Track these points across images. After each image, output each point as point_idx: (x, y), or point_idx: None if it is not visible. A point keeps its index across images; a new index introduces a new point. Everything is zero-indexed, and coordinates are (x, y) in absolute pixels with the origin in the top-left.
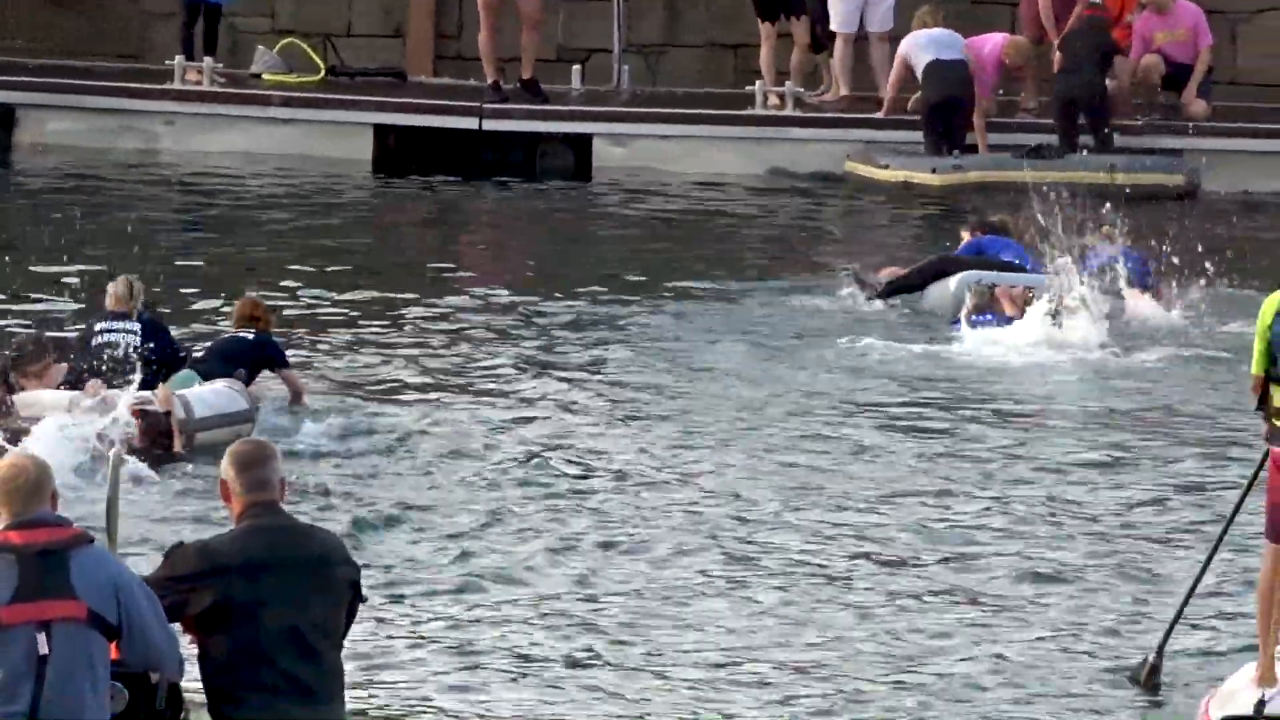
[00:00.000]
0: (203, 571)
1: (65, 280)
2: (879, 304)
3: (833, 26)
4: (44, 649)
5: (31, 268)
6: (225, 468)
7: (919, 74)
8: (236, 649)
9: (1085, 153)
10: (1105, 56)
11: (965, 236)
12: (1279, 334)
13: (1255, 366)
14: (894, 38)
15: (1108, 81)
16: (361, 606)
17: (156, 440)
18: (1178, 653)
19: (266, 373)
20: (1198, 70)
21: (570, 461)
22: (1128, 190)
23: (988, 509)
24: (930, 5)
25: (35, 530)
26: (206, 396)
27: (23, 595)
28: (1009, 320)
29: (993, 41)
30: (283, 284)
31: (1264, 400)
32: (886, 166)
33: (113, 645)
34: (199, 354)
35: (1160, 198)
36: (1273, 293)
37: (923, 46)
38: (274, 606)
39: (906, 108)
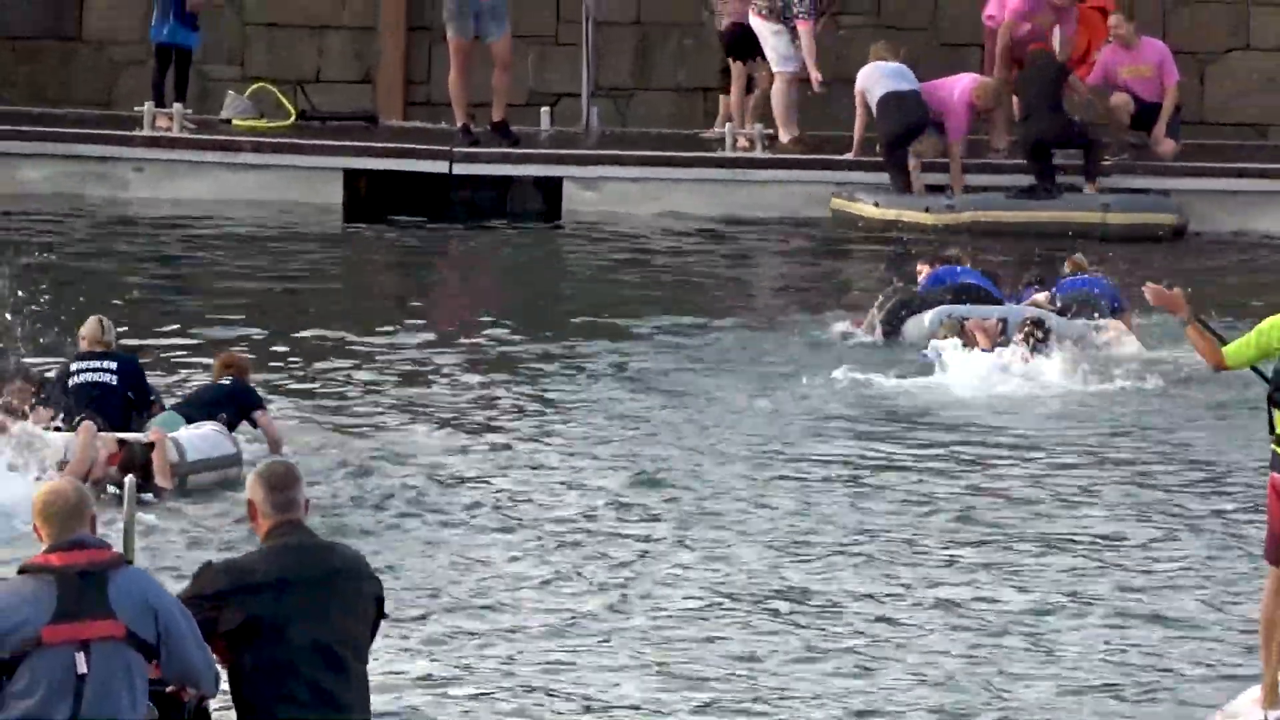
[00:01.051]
0: (231, 589)
1: (36, 326)
2: (870, 339)
3: (773, 67)
4: (83, 668)
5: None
6: (253, 488)
7: (873, 107)
8: (265, 664)
9: (1086, 189)
10: (1057, 88)
11: (923, 269)
12: None
13: (1234, 353)
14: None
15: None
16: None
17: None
18: (1182, 675)
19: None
20: (1166, 107)
21: (548, 497)
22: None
23: (979, 541)
24: (886, 41)
25: (74, 552)
26: (196, 440)
27: (63, 615)
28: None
29: (960, 84)
30: (255, 326)
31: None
32: (876, 204)
33: (152, 665)
34: (177, 399)
35: (1152, 238)
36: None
37: (876, 80)
38: (301, 621)
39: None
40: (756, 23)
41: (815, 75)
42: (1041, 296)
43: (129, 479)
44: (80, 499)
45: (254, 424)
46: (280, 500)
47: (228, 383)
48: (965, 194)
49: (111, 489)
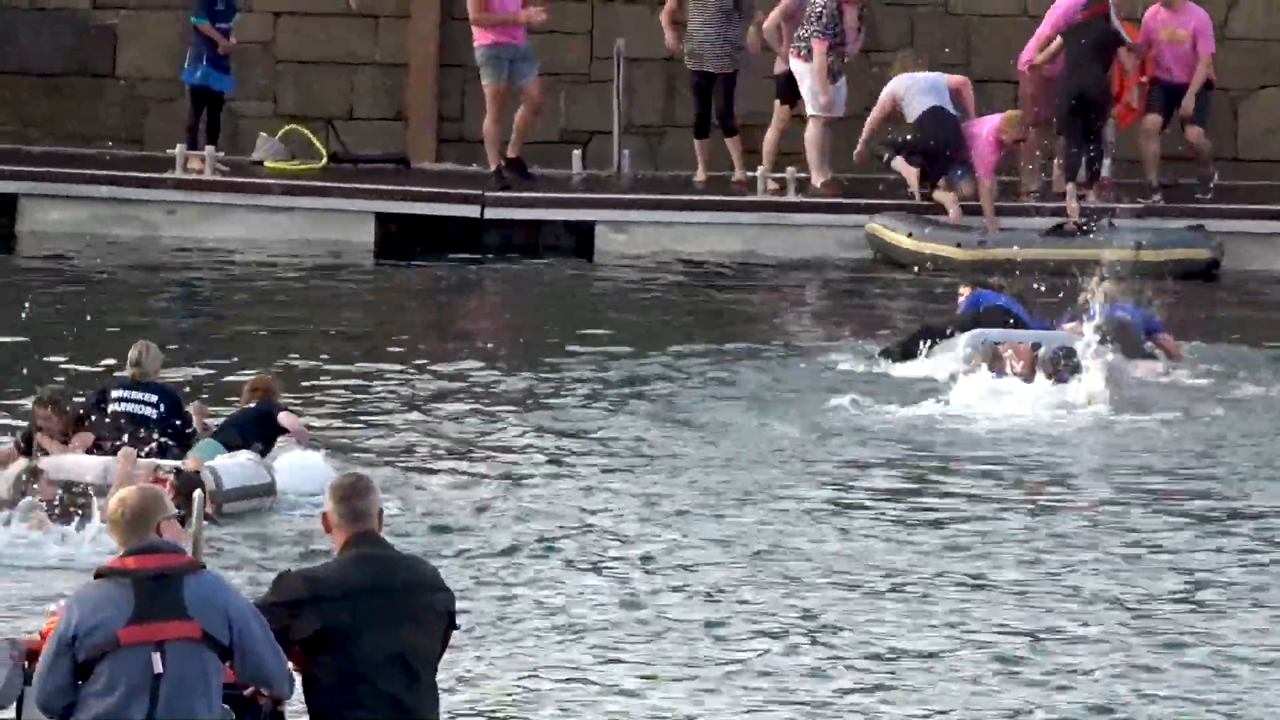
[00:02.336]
0: (307, 599)
1: (71, 367)
2: (887, 365)
3: (808, 110)
4: (158, 668)
5: (43, 357)
6: (326, 500)
7: (911, 116)
8: (339, 672)
9: (1111, 226)
10: (1107, 50)
11: (964, 291)
12: None
13: None
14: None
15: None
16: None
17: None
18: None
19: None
20: (1195, 80)
21: (587, 531)
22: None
23: (994, 569)
24: (912, 50)
25: (148, 556)
26: (233, 469)
27: (139, 617)
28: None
29: (988, 124)
30: (287, 363)
31: None
32: (910, 235)
33: (227, 667)
34: (213, 429)
35: (1189, 275)
36: None
37: (921, 90)
38: (374, 631)
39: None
40: (797, 65)
41: (824, 96)
42: (1070, 325)
43: (197, 493)
44: (150, 505)
45: (278, 426)
46: (352, 510)
47: (254, 406)
48: (1000, 232)
49: None
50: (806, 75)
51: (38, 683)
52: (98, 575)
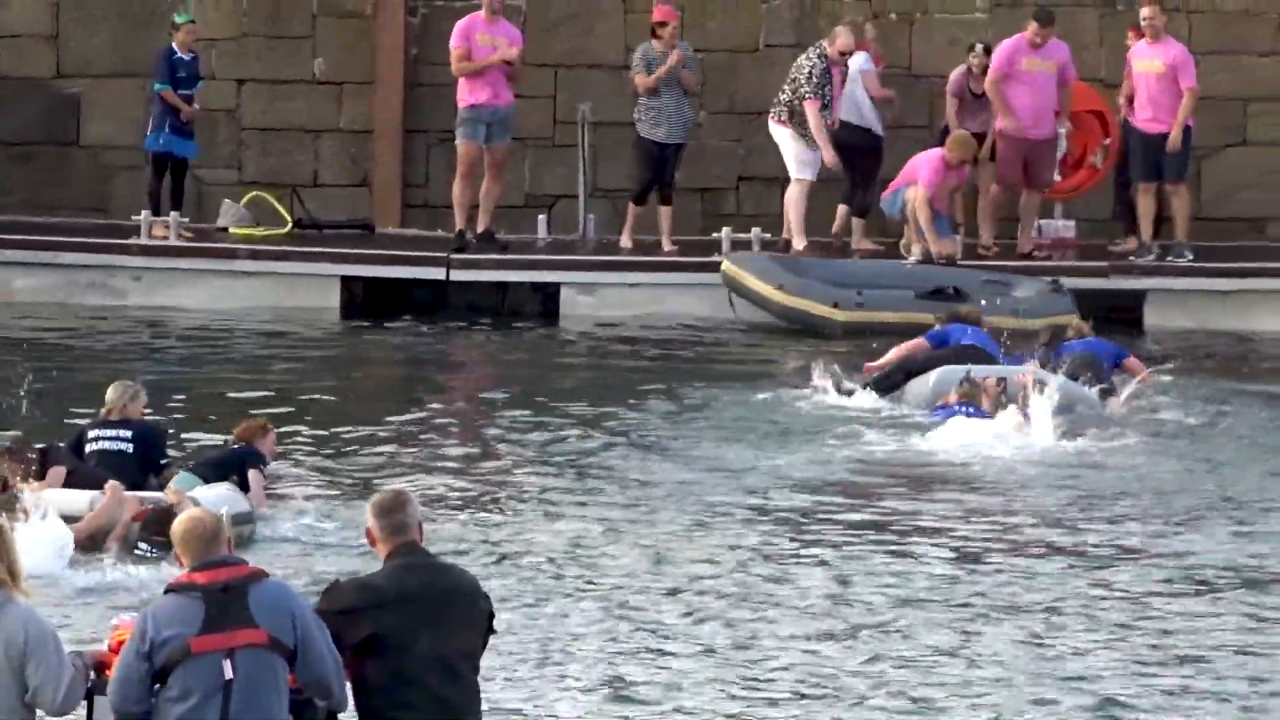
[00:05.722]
0: (360, 606)
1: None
2: (858, 398)
3: (791, 174)
4: (229, 674)
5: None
6: (368, 516)
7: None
8: (390, 674)
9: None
10: None
11: (937, 324)
12: None
13: None
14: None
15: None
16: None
17: (157, 532)
18: None
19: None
20: (1181, 113)
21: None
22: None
23: (970, 606)
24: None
25: (216, 570)
26: (212, 499)
27: (209, 627)
28: (984, 413)
29: (927, 157)
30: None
31: None
32: (781, 287)
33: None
34: (192, 462)
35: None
36: None
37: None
38: (424, 635)
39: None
40: (775, 129)
41: (828, 154)
42: (1033, 363)
43: (224, 511)
44: (217, 525)
45: (247, 479)
46: (392, 524)
47: (238, 447)
48: (873, 292)
49: (139, 548)
50: (784, 140)
51: (114, 689)
52: (168, 590)
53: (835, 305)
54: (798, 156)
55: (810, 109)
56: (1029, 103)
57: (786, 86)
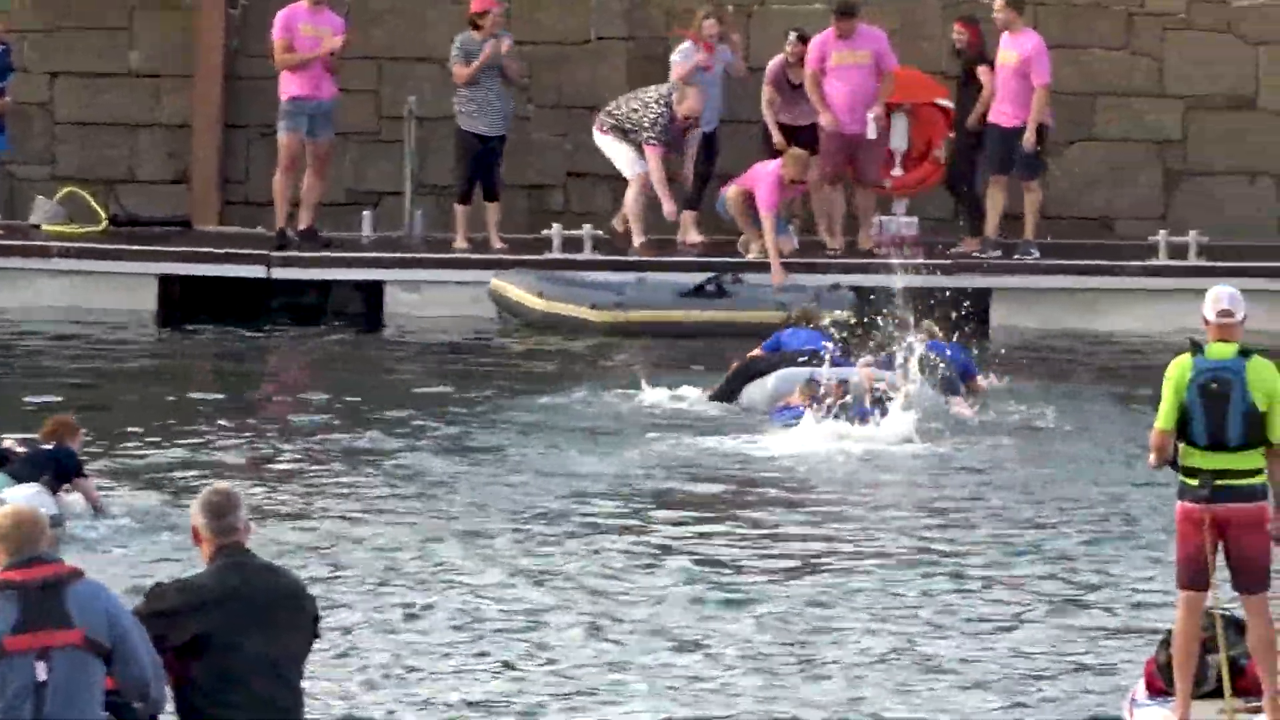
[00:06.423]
0: (185, 607)
1: None
2: (692, 400)
3: (627, 173)
4: (42, 675)
5: None
6: (195, 515)
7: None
8: (215, 675)
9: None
10: None
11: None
12: (1194, 397)
13: (1161, 420)
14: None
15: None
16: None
17: None
18: (1085, 694)
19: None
20: (1033, 114)
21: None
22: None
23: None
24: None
25: (33, 568)
26: (21, 499)
27: (24, 626)
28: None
29: (765, 169)
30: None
31: (1175, 457)
32: (540, 295)
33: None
34: (9, 459)
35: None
36: (1179, 356)
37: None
38: (249, 636)
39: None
40: (599, 137)
41: (669, 206)
42: (866, 361)
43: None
44: (37, 520)
45: (73, 488)
46: (221, 525)
47: (51, 447)
48: (635, 291)
49: None
50: (608, 144)
51: None
52: None
53: (593, 306)
54: (626, 155)
55: (652, 155)
56: (844, 97)
57: (621, 109)
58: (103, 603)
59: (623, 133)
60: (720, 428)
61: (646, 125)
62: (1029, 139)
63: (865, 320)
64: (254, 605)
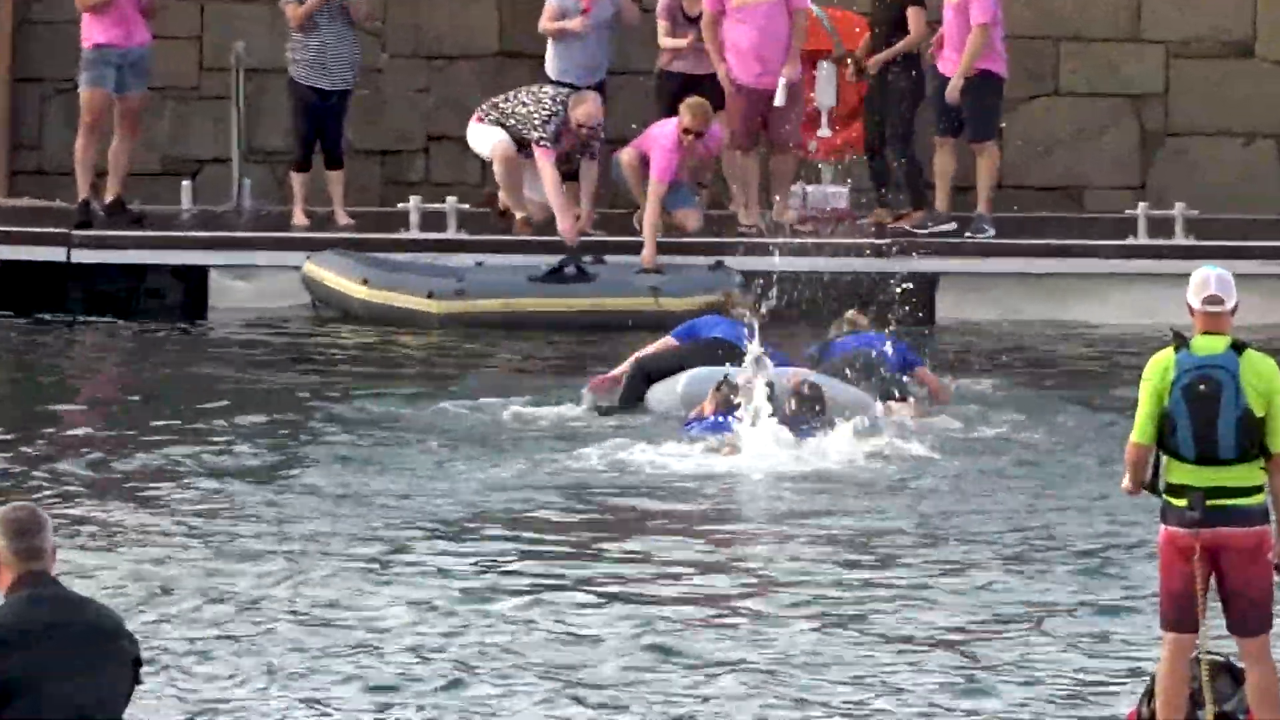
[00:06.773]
0: None
1: None
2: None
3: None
4: None
5: None
6: None
7: None
8: None
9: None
10: None
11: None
12: (1178, 401)
13: (1138, 432)
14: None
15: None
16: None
17: None
18: None
19: None
20: (965, 59)
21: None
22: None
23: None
24: None
25: None
26: None
27: None
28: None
29: (663, 130)
30: None
31: (1155, 475)
32: (366, 282)
33: None
34: None
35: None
36: (1159, 352)
37: None
38: (54, 682)
39: None
40: (474, 128)
41: (565, 223)
42: (803, 360)
43: None
44: None
45: None
46: (25, 548)
47: None
48: (480, 276)
49: None
50: (478, 135)
51: None
52: None
53: (430, 295)
54: (493, 137)
55: (544, 158)
56: (753, 45)
57: (508, 103)
58: None
59: (505, 129)
60: (635, 437)
61: (538, 124)
62: (952, 89)
63: (761, 308)
64: (61, 645)
